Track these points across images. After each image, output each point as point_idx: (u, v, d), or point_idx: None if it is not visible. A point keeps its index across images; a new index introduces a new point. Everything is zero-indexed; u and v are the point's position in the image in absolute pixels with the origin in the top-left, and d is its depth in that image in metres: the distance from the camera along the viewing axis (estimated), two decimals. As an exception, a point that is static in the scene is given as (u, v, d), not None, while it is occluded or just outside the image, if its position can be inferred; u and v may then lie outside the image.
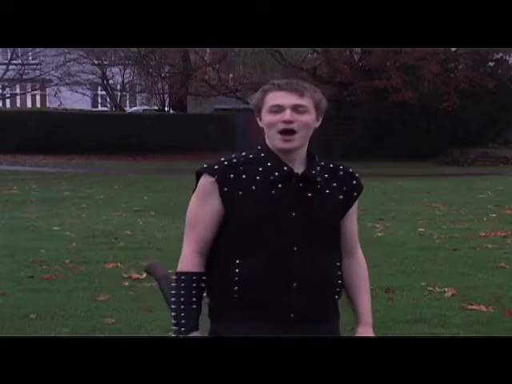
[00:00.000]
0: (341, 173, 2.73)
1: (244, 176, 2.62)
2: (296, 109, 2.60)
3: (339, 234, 2.72)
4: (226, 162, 2.66)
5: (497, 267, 8.03)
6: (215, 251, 2.65)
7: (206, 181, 2.64)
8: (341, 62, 27.13)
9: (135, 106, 41.76)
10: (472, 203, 13.98)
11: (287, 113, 2.60)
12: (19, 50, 33.79)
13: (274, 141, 2.64)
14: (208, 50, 30.62)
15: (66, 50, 31.08)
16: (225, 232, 2.63)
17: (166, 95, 37.80)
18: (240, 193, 2.60)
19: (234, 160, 2.66)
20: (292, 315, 2.58)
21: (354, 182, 2.74)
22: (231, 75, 32.39)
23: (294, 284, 2.58)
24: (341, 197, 2.69)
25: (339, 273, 2.70)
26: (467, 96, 25.28)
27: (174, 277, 2.63)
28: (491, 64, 27.76)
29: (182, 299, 2.58)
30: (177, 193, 16.19)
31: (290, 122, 2.59)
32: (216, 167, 2.64)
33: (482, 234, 10.27)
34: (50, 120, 29.84)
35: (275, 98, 2.61)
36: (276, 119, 2.61)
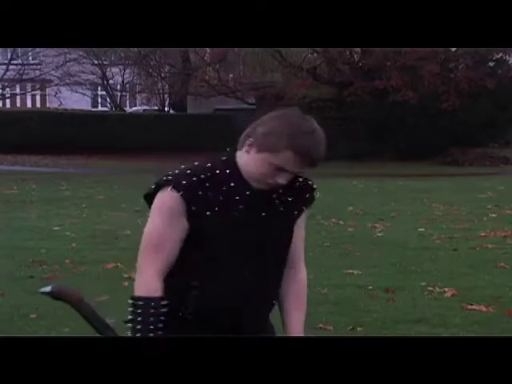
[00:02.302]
0: (297, 184, 2.57)
1: (210, 193, 2.43)
2: (296, 174, 2.49)
3: (288, 252, 2.62)
4: (194, 178, 2.43)
5: (497, 267, 8.04)
6: (174, 267, 2.50)
7: (172, 196, 2.41)
8: (341, 62, 27.15)
9: (135, 105, 41.80)
10: (472, 203, 13.99)
11: (286, 178, 2.45)
12: (19, 50, 33.82)
13: (251, 180, 2.46)
14: (208, 49, 30.63)
15: (65, 50, 31.10)
16: (186, 251, 2.47)
17: (165, 95, 37.85)
18: (208, 213, 2.42)
19: (202, 176, 2.44)
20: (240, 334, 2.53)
21: (307, 196, 2.61)
22: (231, 75, 32.44)
23: (245, 308, 2.53)
24: (296, 212, 2.59)
25: (279, 290, 2.64)
26: (467, 96, 25.28)
27: (135, 301, 2.45)
28: (491, 64, 27.76)
29: (151, 327, 2.42)
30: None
31: (282, 184, 2.46)
32: (184, 182, 2.42)
33: (482, 234, 10.27)
34: (50, 120, 29.88)
35: (294, 165, 2.41)
36: (272, 175, 2.43)
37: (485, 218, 11.94)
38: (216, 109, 34.24)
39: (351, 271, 7.75)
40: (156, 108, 38.22)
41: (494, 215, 12.33)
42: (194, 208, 2.42)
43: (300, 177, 2.58)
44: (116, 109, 38.12)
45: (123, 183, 18.65)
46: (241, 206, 2.46)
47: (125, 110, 38.78)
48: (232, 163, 2.49)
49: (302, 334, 2.63)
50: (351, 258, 8.68)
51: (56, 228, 10.81)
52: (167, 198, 2.42)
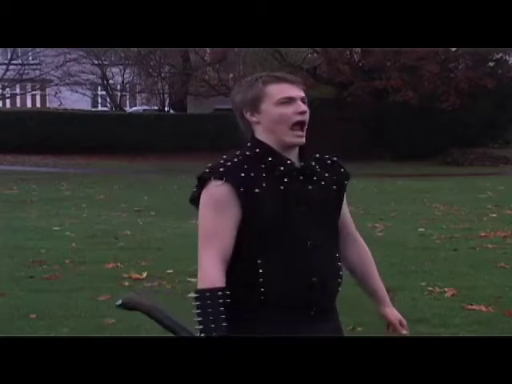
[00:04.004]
0: (328, 161, 2.69)
1: (252, 174, 2.47)
2: (303, 101, 2.56)
3: (338, 227, 2.69)
4: (229, 163, 2.48)
5: (497, 267, 8.03)
6: (234, 253, 2.51)
7: (217, 187, 2.45)
8: (341, 62, 27.11)
9: (135, 105, 41.77)
10: (472, 203, 13.98)
11: (301, 104, 2.54)
12: (19, 50, 33.78)
13: (282, 136, 2.51)
14: (208, 49, 30.62)
15: (66, 50, 31.07)
16: (243, 233, 2.49)
17: (165, 95, 37.82)
18: (256, 190, 2.46)
19: (235, 159, 2.51)
20: (312, 312, 2.56)
21: (342, 170, 2.71)
22: (231, 75, 32.40)
23: (314, 279, 2.54)
24: (334, 187, 2.65)
25: (340, 264, 2.70)
26: (467, 96, 25.27)
27: (195, 294, 2.46)
28: (491, 64, 27.74)
29: (211, 318, 2.42)
30: (177, 193, 16.21)
31: (305, 112, 2.53)
32: (222, 169, 2.46)
33: (482, 234, 10.27)
34: (50, 120, 29.87)
35: (284, 90, 2.54)
36: (290, 111, 2.51)
37: (485, 218, 11.94)
38: (216, 109, 34.24)
39: (351, 271, 7.74)
40: (156, 108, 38.20)
41: (494, 215, 12.33)
42: (242, 189, 2.46)
43: (326, 155, 2.70)
44: (116, 109, 38.10)
45: (123, 183, 18.66)
46: (285, 179, 2.52)
47: (125, 110, 38.76)
48: (257, 143, 2.55)
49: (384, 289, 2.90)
50: (351, 257, 8.67)
51: (56, 228, 10.81)
52: (213, 190, 2.47)
